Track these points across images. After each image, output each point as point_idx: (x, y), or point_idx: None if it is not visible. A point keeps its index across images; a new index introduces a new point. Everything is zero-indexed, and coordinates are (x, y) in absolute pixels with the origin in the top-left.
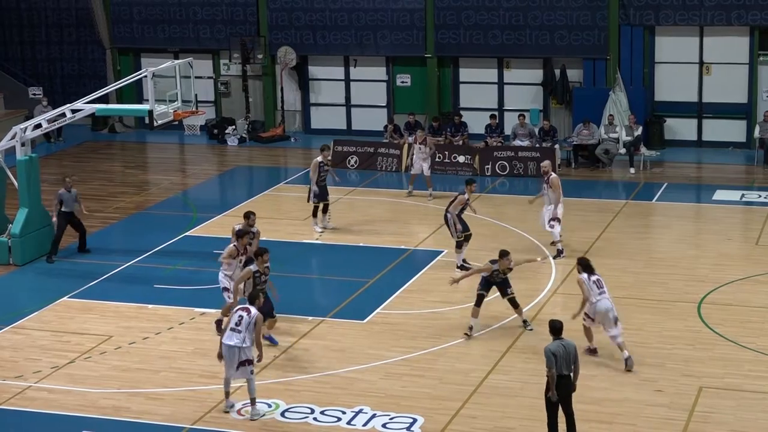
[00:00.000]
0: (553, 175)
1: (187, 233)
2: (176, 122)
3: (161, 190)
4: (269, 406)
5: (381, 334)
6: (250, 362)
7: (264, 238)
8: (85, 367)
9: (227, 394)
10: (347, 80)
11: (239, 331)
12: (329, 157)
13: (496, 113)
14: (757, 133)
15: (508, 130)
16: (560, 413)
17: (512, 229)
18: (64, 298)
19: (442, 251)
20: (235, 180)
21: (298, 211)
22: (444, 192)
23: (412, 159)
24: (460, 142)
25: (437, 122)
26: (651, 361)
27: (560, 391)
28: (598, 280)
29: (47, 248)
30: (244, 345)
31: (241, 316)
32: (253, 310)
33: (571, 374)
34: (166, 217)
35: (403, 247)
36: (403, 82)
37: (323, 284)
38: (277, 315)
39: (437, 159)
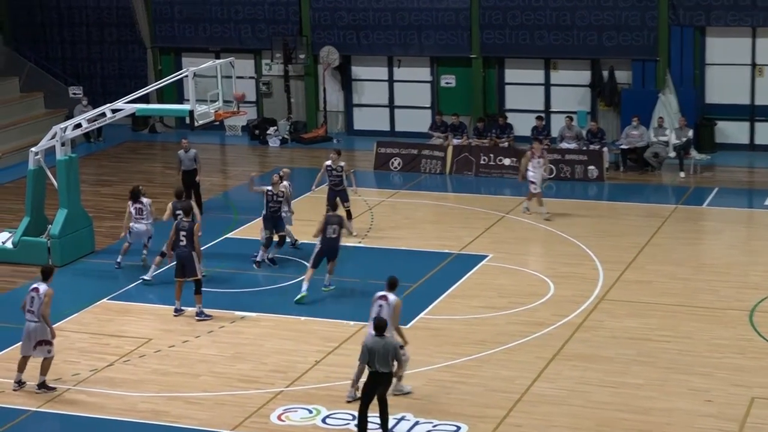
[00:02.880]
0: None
1: (227, 235)
2: (217, 123)
3: (202, 191)
4: (310, 411)
5: (424, 340)
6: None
7: (305, 240)
8: (124, 371)
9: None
10: (390, 81)
11: (32, 312)
12: (341, 163)
13: (543, 115)
14: None
15: (555, 133)
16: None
17: (560, 234)
18: (104, 300)
19: (487, 255)
20: None
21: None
22: (490, 195)
23: (525, 175)
24: (506, 144)
25: (482, 123)
26: (700, 371)
27: (373, 388)
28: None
29: (87, 248)
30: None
31: (32, 297)
32: (42, 287)
33: (390, 370)
34: (207, 219)
35: (447, 251)
36: (447, 83)
37: (365, 288)
38: (316, 319)
39: (481, 162)
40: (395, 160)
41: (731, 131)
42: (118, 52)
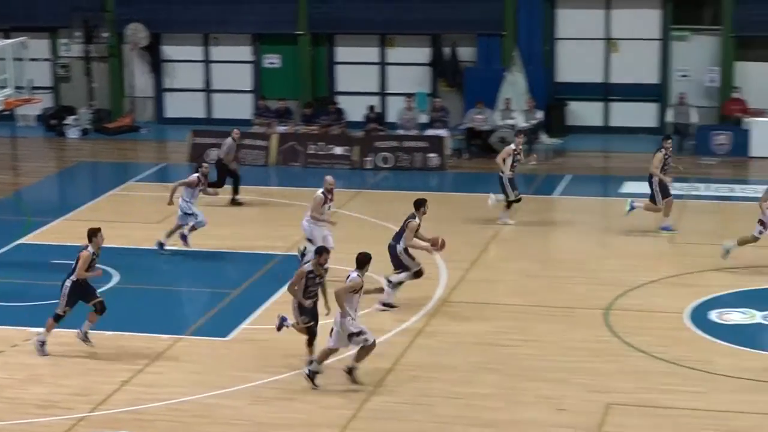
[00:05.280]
0: None
1: (20, 241)
2: (7, 112)
3: None
4: None
5: (247, 353)
6: None
7: (109, 245)
8: None
9: None
10: (206, 62)
11: None
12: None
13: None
14: (670, 118)
15: (392, 117)
16: None
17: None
18: None
19: None
20: (76, 178)
21: (151, 212)
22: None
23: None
24: (337, 132)
25: (311, 108)
26: (553, 377)
27: None
28: None
29: None
30: None
31: None
32: None
33: None
34: None
35: (272, 252)
36: (271, 63)
37: (180, 297)
38: (125, 333)
39: (310, 151)
40: (213, 150)
41: (584, 113)
42: None
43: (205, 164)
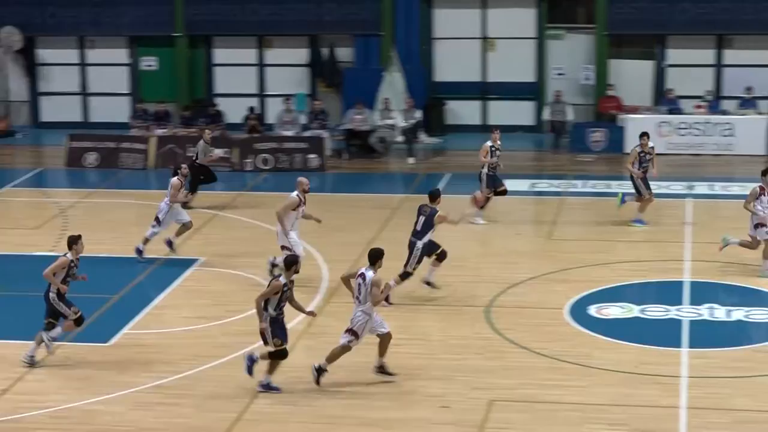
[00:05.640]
0: None
1: None
2: None
3: None
4: None
5: (129, 358)
6: None
7: None
8: None
9: None
10: (83, 65)
11: None
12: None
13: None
14: (547, 115)
15: (271, 119)
16: None
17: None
18: None
19: (198, 259)
20: None
21: (26, 218)
22: (200, 191)
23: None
24: (217, 134)
25: (189, 111)
26: (437, 374)
27: None
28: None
29: None
30: None
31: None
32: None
33: None
34: None
35: (152, 256)
36: (148, 65)
37: None
38: (2, 341)
39: (189, 154)
40: (90, 155)
41: (462, 112)
42: None
43: (183, 165)
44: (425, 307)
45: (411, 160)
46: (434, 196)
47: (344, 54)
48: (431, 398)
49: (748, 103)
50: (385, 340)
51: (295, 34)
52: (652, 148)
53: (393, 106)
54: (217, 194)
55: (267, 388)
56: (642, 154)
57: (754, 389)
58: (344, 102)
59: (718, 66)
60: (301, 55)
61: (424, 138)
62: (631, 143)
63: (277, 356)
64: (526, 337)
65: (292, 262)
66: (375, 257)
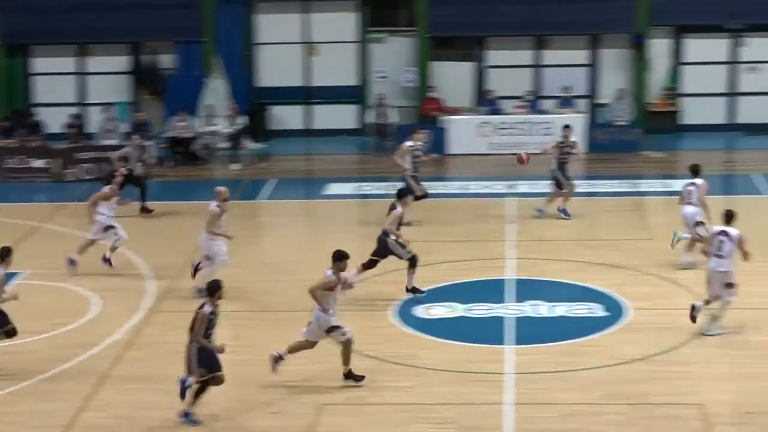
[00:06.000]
0: None
1: None
2: None
3: None
4: None
5: None
6: None
7: None
8: None
9: None
10: None
11: None
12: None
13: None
14: (370, 118)
15: (93, 128)
16: None
17: (101, 242)
18: None
19: (20, 273)
20: None
21: None
22: (20, 203)
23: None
24: (37, 144)
25: (8, 121)
26: (267, 381)
27: None
28: None
29: None
30: None
31: None
32: None
33: None
34: None
35: None
36: None
37: None
38: None
39: (8, 165)
40: None
41: (286, 116)
42: None
43: (117, 174)
44: (257, 314)
45: (235, 166)
46: (401, 194)
47: (167, 61)
48: (262, 405)
49: (566, 102)
50: (304, 346)
51: (116, 42)
52: (575, 142)
53: (216, 112)
54: (39, 206)
55: (186, 417)
56: (562, 145)
57: (578, 383)
58: (167, 109)
59: (537, 67)
60: (123, 62)
61: (248, 144)
62: (453, 144)
63: (202, 389)
64: (354, 339)
65: (215, 288)
66: (338, 258)
